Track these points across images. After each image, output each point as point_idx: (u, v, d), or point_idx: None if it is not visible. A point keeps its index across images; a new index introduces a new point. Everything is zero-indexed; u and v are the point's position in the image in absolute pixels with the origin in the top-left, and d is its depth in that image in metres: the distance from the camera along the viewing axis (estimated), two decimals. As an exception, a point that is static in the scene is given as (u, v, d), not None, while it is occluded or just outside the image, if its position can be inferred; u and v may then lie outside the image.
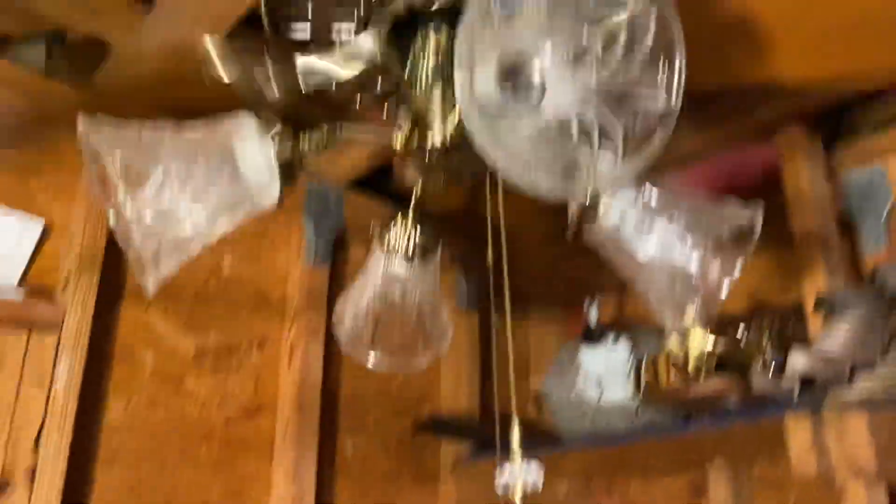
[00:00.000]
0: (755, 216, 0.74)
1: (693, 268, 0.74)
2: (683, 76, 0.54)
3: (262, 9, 0.80)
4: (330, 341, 1.72)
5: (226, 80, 0.84)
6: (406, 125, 0.75)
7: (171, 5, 1.39)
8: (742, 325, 1.30)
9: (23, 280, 1.33)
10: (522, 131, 0.55)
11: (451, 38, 0.78)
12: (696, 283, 0.74)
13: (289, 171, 0.70)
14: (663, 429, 1.58)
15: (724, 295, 0.74)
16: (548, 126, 0.55)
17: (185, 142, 0.65)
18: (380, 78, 0.84)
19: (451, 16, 0.78)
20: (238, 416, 1.58)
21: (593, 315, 1.71)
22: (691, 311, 0.76)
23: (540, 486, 0.68)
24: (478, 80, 0.51)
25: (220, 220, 0.67)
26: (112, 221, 0.68)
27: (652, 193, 0.72)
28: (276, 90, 0.81)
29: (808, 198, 1.49)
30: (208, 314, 1.60)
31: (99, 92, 1.49)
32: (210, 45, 0.85)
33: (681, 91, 0.55)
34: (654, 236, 0.74)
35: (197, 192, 0.64)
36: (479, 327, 2.03)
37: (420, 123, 0.74)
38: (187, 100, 1.62)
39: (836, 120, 1.69)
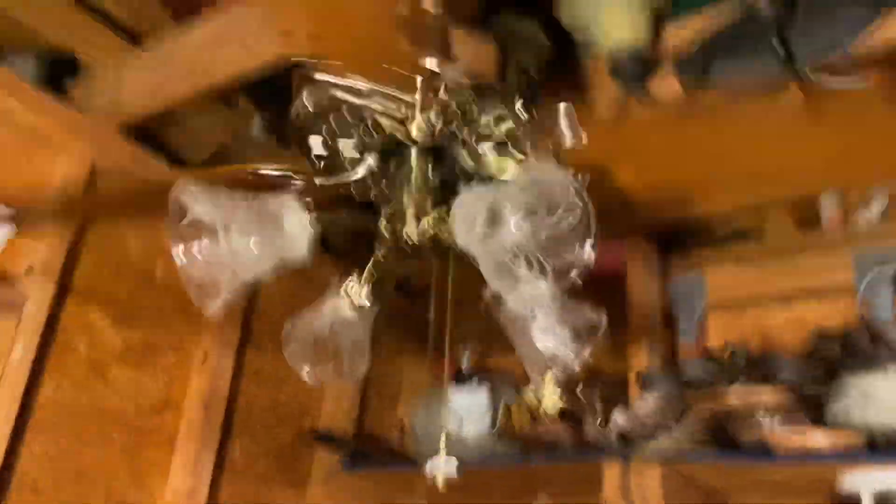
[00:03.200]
0: (601, 317, 1.10)
1: (559, 347, 1.09)
2: (595, 243, 0.89)
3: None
4: (240, 353, 1.98)
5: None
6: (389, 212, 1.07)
7: (161, 55, 1.64)
8: (581, 386, 1.68)
9: (-12, 265, 1.52)
10: (493, 254, 0.89)
11: (427, 163, 1.12)
12: (558, 357, 1.10)
13: (314, 237, 1.00)
14: (504, 461, 1.93)
15: (576, 367, 1.10)
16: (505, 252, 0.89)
17: (248, 208, 0.93)
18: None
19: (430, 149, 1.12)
20: (149, 409, 1.80)
21: (465, 361, 2.05)
22: (550, 374, 1.11)
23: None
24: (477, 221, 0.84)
25: (268, 264, 0.96)
26: (182, 259, 0.94)
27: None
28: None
29: (642, 297, 1.92)
30: (137, 314, 1.81)
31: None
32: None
33: (594, 251, 0.90)
34: (536, 322, 1.09)
35: (255, 243, 0.92)
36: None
37: (397, 218, 1.07)
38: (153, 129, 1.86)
39: (672, 234, 2.16)
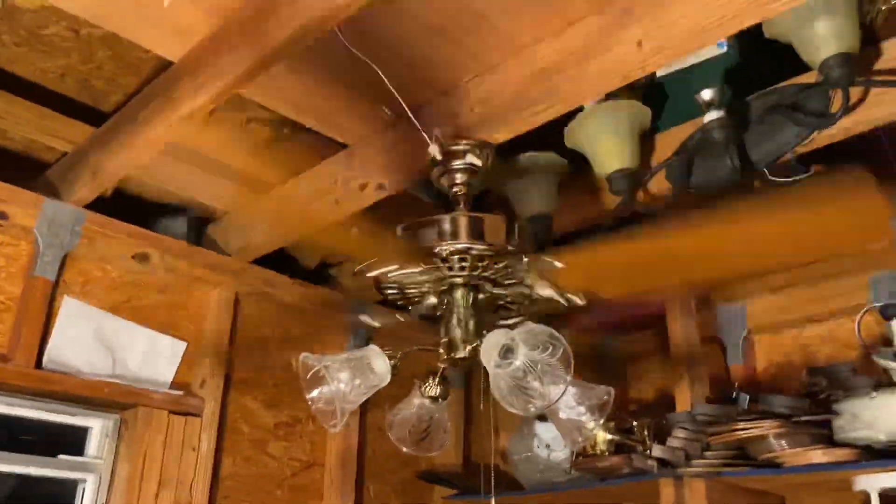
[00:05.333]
0: (610, 394, 1.52)
1: (579, 419, 1.52)
2: (572, 366, 1.32)
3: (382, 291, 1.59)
4: (362, 416, 2.48)
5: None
6: (445, 341, 1.53)
7: (275, 207, 2.16)
8: (634, 423, 2.08)
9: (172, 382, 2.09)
10: (508, 375, 1.33)
11: (472, 298, 1.57)
12: (580, 426, 1.52)
13: (395, 369, 1.48)
14: (587, 483, 2.34)
15: (592, 430, 1.52)
16: (516, 372, 1.33)
17: (349, 360, 1.43)
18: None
19: (469, 286, 1.57)
20: (300, 469, 2.34)
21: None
22: (577, 437, 1.53)
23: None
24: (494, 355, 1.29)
25: (364, 394, 1.45)
26: (311, 396, 1.44)
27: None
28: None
29: (680, 336, 2.28)
30: (281, 397, 2.35)
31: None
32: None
33: (571, 371, 1.33)
34: (560, 404, 1.52)
35: (356, 382, 1.41)
36: (464, 403, 2.80)
37: (452, 341, 1.53)
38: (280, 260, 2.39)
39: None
